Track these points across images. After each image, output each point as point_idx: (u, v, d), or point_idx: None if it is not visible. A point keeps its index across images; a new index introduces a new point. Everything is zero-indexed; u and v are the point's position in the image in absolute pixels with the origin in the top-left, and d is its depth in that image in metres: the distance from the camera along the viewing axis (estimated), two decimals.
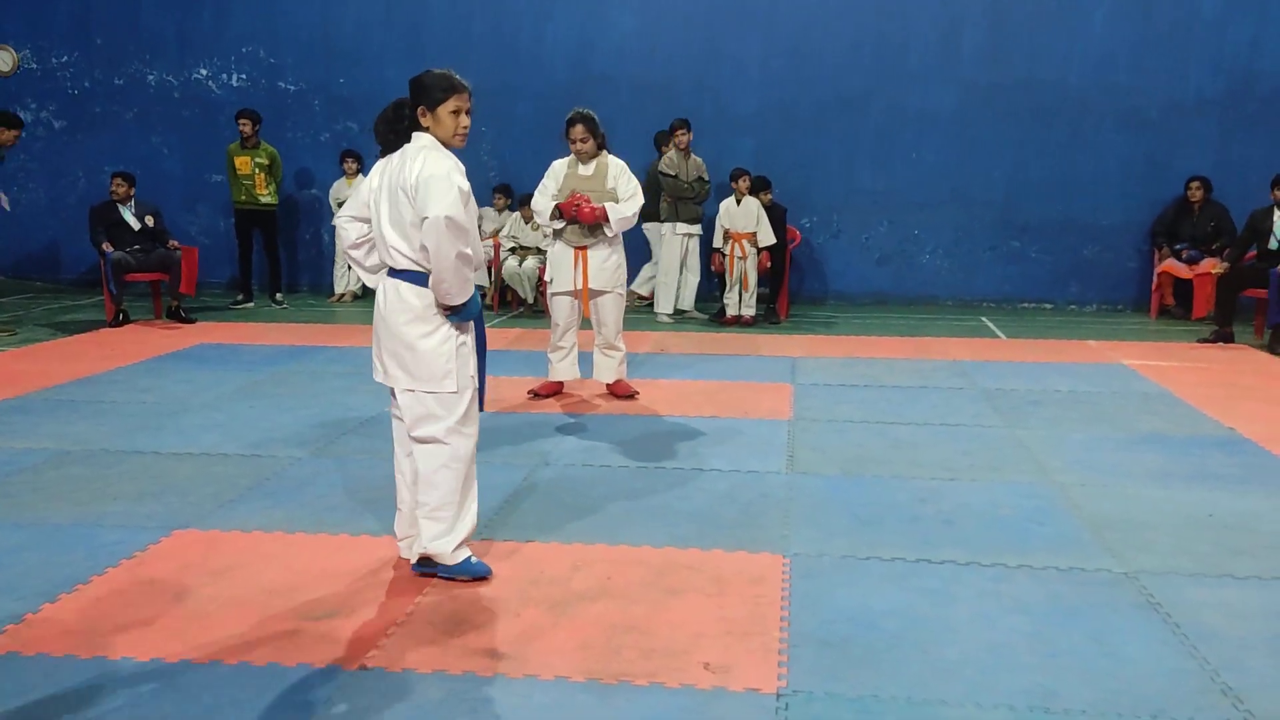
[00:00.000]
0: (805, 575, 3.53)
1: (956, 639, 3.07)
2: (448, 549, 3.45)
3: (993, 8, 9.82)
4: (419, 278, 3.34)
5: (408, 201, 3.29)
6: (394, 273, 3.40)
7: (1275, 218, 8.15)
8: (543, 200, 5.89)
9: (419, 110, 3.37)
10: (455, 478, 3.42)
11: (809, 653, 2.98)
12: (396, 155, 3.41)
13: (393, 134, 3.48)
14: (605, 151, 5.92)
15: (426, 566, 3.52)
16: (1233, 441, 5.27)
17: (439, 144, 3.38)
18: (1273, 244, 8.13)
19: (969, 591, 3.41)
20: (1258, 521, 4.09)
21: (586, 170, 5.86)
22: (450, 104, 3.35)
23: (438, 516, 3.42)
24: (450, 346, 3.36)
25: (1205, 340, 8.16)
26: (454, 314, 3.36)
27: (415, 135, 3.40)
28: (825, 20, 10.01)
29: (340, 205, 10.02)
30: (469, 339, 3.44)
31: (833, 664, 2.91)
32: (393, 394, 3.53)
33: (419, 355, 3.35)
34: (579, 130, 5.80)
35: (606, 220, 5.74)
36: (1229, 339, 8.10)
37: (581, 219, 5.71)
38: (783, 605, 3.28)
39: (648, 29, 10.21)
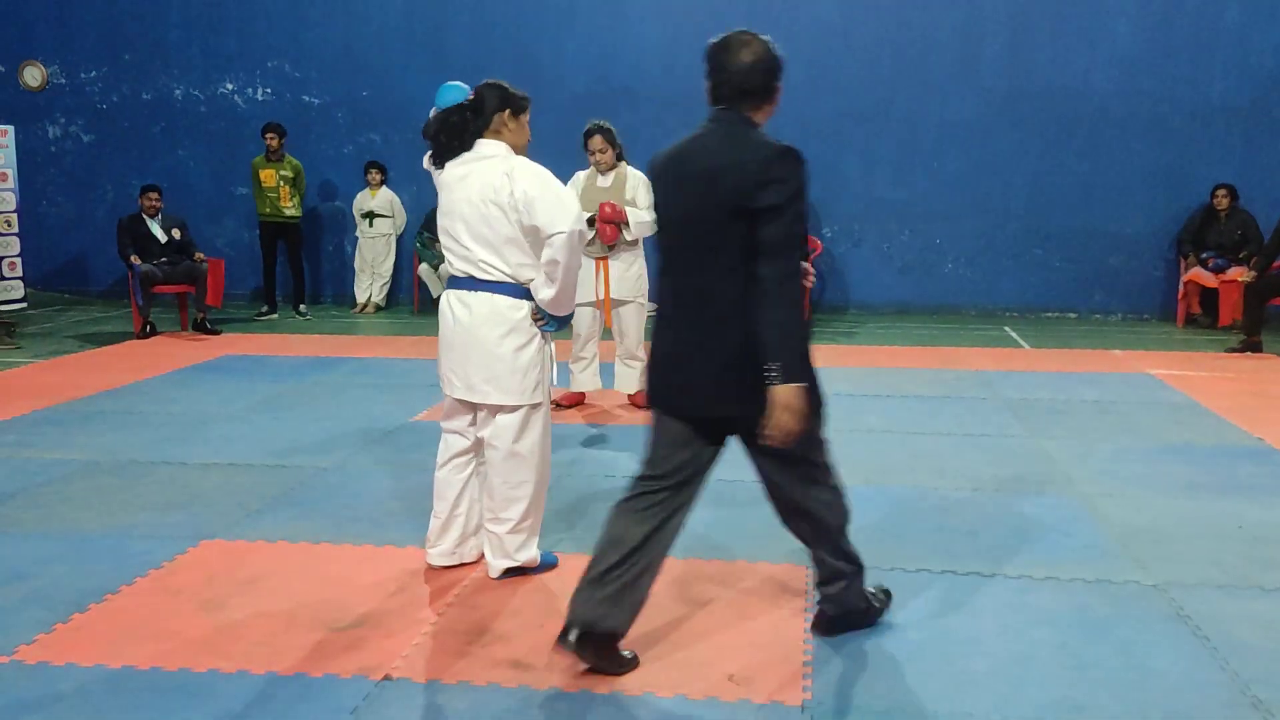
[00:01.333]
0: None
1: (982, 651, 3.05)
2: (533, 555, 3.57)
3: (1013, 16, 9.79)
4: (515, 290, 3.34)
5: (504, 216, 3.27)
6: (481, 284, 3.34)
7: None
8: None
9: (504, 114, 3.38)
10: (537, 490, 3.50)
11: (833, 664, 2.97)
12: (459, 168, 3.37)
13: (444, 135, 3.42)
14: (624, 162, 5.95)
15: (513, 573, 3.58)
16: (1261, 452, 5.22)
17: (512, 151, 3.40)
18: None
19: (995, 603, 3.39)
20: None
21: (605, 181, 5.89)
22: (528, 113, 3.43)
23: (520, 529, 3.50)
24: (542, 357, 3.41)
25: (1233, 349, 8.08)
26: (551, 323, 3.40)
27: (483, 143, 3.39)
28: (844, 30, 10.01)
29: (364, 216, 10.25)
30: (549, 348, 3.49)
31: (857, 676, 2.90)
32: (454, 408, 3.53)
33: (515, 368, 3.34)
34: (597, 141, 5.84)
35: (625, 223, 5.76)
36: (1257, 348, 8.01)
37: (603, 240, 5.76)
38: (806, 616, 3.27)
39: (667, 41, 10.23)
